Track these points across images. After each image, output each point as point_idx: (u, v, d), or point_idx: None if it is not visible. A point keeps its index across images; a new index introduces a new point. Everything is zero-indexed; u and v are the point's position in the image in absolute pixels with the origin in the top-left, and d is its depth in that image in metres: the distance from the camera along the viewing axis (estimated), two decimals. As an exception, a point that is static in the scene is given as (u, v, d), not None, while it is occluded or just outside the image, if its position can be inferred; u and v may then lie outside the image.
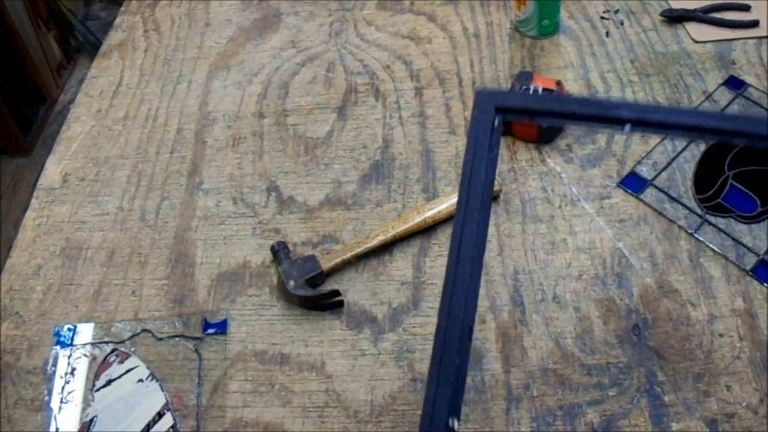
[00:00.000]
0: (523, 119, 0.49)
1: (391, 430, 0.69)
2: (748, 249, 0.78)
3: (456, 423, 0.40)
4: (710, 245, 0.79)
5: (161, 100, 1.05)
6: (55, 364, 0.77)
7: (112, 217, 0.91)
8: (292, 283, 0.78)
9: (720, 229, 0.80)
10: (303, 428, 0.70)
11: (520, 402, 0.69)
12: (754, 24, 1.02)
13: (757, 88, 0.94)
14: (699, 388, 0.68)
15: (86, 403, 0.74)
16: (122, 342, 0.78)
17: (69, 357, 0.77)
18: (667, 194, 0.84)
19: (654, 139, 0.90)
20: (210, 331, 0.78)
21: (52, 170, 0.98)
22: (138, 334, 0.78)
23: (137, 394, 0.74)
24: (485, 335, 0.74)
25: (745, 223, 0.80)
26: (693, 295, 0.75)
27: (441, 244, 0.83)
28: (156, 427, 0.71)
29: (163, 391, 0.74)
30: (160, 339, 0.78)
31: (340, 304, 0.78)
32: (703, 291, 0.75)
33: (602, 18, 1.08)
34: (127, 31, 1.19)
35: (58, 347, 0.78)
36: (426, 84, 1.02)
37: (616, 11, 1.09)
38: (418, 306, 0.78)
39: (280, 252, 0.81)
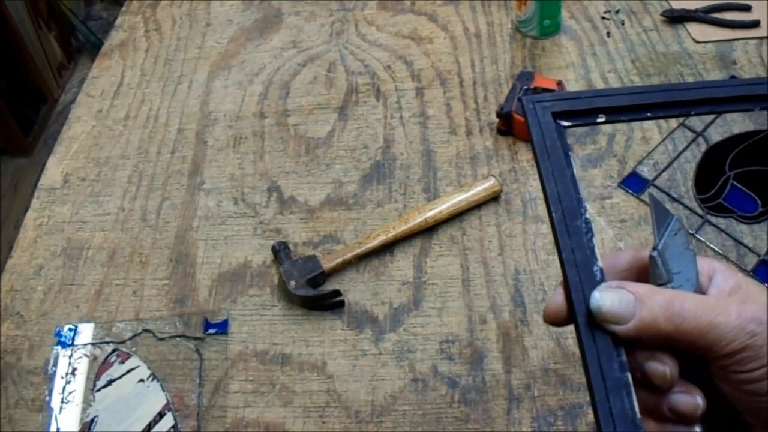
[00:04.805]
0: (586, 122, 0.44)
1: (392, 430, 0.69)
2: (749, 249, 0.78)
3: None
4: (711, 245, 0.79)
5: (162, 100, 1.05)
6: (56, 364, 0.77)
7: (113, 217, 0.91)
8: (293, 283, 0.78)
9: (721, 230, 0.80)
10: (304, 428, 0.70)
11: (521, 402, 0.69)
12: (755, 24, 1.02)
13: (758, 89, 0.94)
14: (700, 388, 0.68)
15: (87, 403, 0.74)
16: (123, 342, 0.78)
17: (70, 357, 0.77)
18: (668, 194, 0.84)
19: (655, 139, 0.90)
20: (211, 331, 0.78)
21: (53, 170, 0.98)
22: (139, 334, 0.78)
23: (138, 394, 0.74)
24: (486, 335, 0.75)
25: (746, 223, 0.80)
26: (694, 295, 0.75)
27: (442, 244, 0.83)
28: (157, 427, 0.71)
29: (164, 391, 0.74)
30: (161, 339, 0.78)
31: (341, 304, 0.78)
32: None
33: (603, 18, 1.08)
34: (128, 31, 1.19)
35: (59, 347, 0.78)
36: (427, 84, 1.02)
37: (617, 11, 1.09)
38: (419, 306, 0.78)
39: (281, 252, 0.81)
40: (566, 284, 0.38)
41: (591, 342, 0.35)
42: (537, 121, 0.43)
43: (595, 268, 0.37)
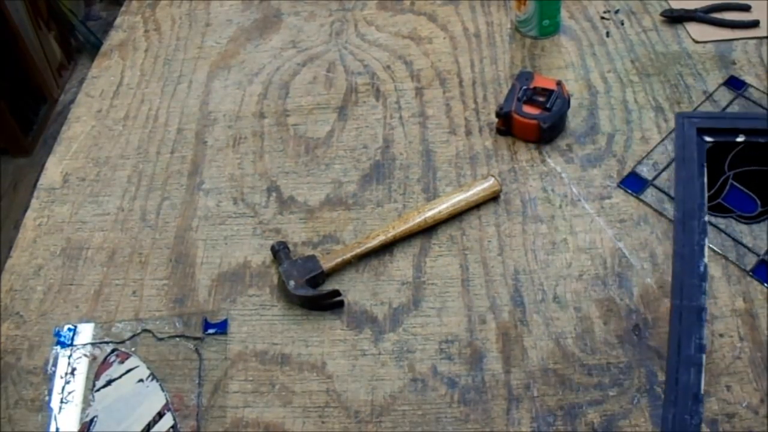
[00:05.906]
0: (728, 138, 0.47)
1: (392, 430, 0.69)
2: (749, 249, 0.78)
3: None
4: (711, 245, 0.79)
5: (162, 100, 1.05)
6: (55, 364, 0.77)
7: (112, 217, 0.91)
8: (292, 283, 0.78)
9: (720, 230, 0.80)
10: (304, 428, 0.70)
11: (521, 402, 0.69)
12: (755, 24, 1.02)
13: (757, 89, 0.93)
14: (699, 388, 0.68)
15: (86, 403, 0.74)
16: (122, 342, 0.78)
17: (69, 357, 0.77)
18: (667, 194, 0.84)
19: (654, 139, 0.90)
20: (210, 331, 0.78)
21: (53, 170, 0.98)
22: (138, 334, 0.78)
23: (137, 394, 0.74)
24: (485, 335, 0.75)
25: (746, 223, 0.80)
26: (693, 295, 0.75)
27: (441, 244, 0.83)
28: (156, 428, 0.71)
29: (163, 391, 0.74)
30: (161, 339, 0.78)
31: (341, 304, 0.78)
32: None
33: (602, 18, 1.08)
34: (128, 31, 1.19)
35: (58, 347, 0.78)
36: (426, 84, 1.02)
37: (617, 11, 1.09)
38: (419, 306, 0.78)
39: (280, 252, 0.81)
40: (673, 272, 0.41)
41: (677, 321, 0.38)
42: (683, 133, 0.47)
43: (700, 263, 0.41)
